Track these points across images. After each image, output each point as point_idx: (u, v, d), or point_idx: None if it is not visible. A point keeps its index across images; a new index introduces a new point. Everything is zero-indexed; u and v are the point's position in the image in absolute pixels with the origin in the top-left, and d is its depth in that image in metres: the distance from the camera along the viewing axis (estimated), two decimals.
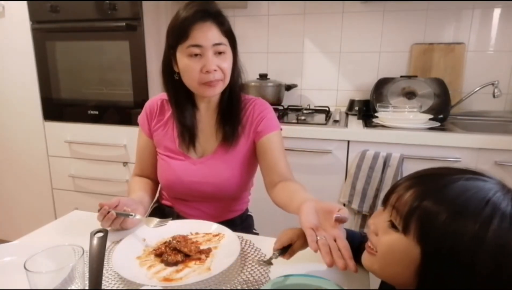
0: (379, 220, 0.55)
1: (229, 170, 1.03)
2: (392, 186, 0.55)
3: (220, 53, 0.94)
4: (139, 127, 1.12)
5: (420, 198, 0.48)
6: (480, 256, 0.43)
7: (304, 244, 0.74)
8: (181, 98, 1.02)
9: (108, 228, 0.85)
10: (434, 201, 0.47)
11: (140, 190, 1.06)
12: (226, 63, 0.96)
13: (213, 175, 1.02)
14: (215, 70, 0.93)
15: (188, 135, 1.03)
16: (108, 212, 0.84)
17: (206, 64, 0.92)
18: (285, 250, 0.74)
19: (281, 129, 1.07)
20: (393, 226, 0.52)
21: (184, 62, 0.94)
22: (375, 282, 0.74)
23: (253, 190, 1.19)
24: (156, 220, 0.85)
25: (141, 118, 1.12)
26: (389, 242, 0.51)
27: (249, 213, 1.20)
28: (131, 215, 0.85)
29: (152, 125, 1.09)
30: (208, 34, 0.92)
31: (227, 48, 0.96)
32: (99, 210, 0.85)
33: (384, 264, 0.53)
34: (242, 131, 1.03)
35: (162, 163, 1.07)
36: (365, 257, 0.58)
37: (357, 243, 0.74)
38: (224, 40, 0.95)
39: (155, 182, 1.15)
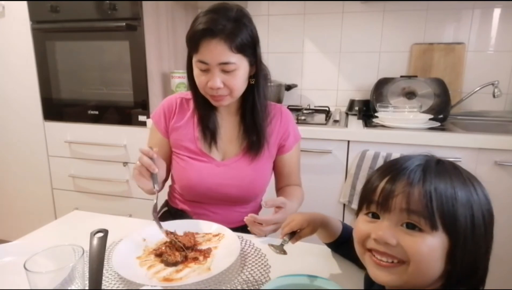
0: (385, 228, 0.50)
1: (254, 172, 1.03)
2: (381, 190, 0.51)
3: (228, 70, 0.91)
4: (152, 126, 1.08)
5: (433, 195, 0.48)
6: (477, 216, 0.49)
7: (312, 231, 0.77)
8: (202, 98, 1.00)
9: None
10: (445, 191, 0.49)
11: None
12: (235, 80, 0.92)
13: (239, 178, 1.02)
14: (218, 88, 0.92)
15: (209, 135, 1.02)
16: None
17: (210, 81, 0.91)
18: (292, 235, 0.76)
19: (300, 137, 1.14)
20: (411, 227, 0.49)
21: (195, 71, 0.95)
22: None
23: None
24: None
25: (156, 115, 1.07)
26: (423, 244, 0.48)
27: None
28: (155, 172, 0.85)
29: (171, 124, 1.05)
30: (214, 53, 0.88)
31: (237, 65, 0.91)
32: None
33: (419, 268, 0.49)
34: (268, 140, 1.04)
35: (182, 164, 1.03)
36: (383, 273, 0.51)
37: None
38: (234, 57, 0.89)
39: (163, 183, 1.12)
